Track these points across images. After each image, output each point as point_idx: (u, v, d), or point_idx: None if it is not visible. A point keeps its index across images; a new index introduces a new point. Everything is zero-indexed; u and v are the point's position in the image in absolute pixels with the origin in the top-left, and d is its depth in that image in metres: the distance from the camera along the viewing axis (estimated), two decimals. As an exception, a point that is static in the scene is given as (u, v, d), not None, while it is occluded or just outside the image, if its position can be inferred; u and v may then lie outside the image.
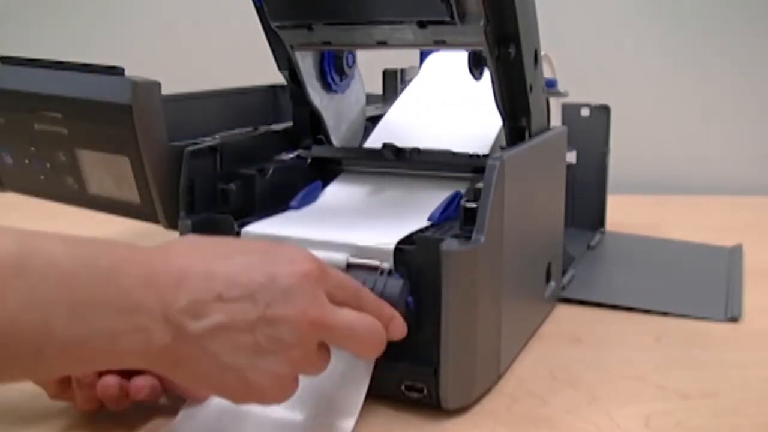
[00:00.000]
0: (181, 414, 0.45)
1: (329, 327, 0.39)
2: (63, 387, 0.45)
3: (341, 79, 0.62)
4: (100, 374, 0.44)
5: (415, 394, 0.47)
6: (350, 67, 0.62)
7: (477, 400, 0.48)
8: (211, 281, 0.36)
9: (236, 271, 0.37)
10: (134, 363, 0.36)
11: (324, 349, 0.41)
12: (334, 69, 0.61)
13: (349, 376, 0.45)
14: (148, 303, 0.35)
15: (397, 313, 0.44)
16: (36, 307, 0.32)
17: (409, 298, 0.45)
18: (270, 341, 0.37)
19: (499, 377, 0.51)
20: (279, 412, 0.44)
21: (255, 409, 0.44)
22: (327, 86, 0.61)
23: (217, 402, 0.45)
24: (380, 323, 0.42)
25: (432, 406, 0.47)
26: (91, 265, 0.34)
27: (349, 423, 0.44)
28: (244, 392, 0.38)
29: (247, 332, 0.36)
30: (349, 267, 0.46)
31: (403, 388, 0.47)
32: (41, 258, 0.32)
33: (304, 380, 0.40)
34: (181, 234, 0.52)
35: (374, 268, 0.46)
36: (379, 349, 0.42)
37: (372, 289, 0.44)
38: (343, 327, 0.40)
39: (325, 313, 0.39)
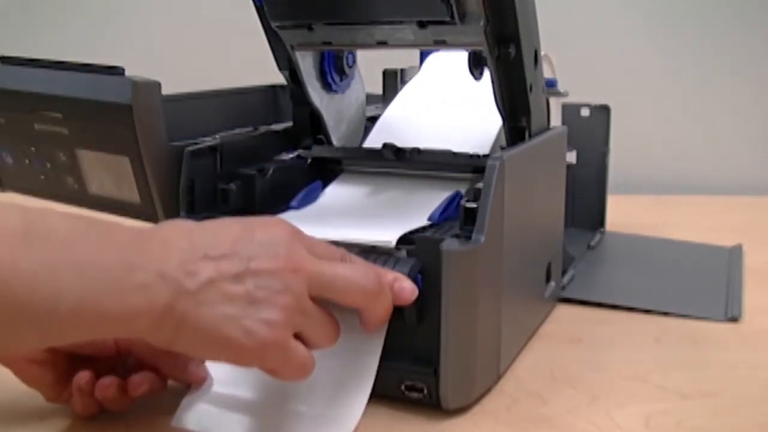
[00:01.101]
0: (183, 404, 0.45)
1: (313, 273, 0.41)
2: (59, 389, 0.45)
3: (341, 79, 0.62)
4: (98, 377, 0.45)
5: (415, 394, 0.47)
6: (350, 67, 0.62)
7: (477, 400, 0.48)
8: (196, 244, 0.39)
9: (216, 234, 0.40)
10: (143, 327, 0.37)
11: (324, 309, 0.42)
12: (334, 69, 0.61)
13: (354, 369, 0.45)
14: (143, 263, 0.37)
15: (402, 275, 0.44)
16: (45, 271, 0.34)
17: (419, 276, 0.45)
18: (259, 290, 0.39)
19: (499, 377, 0.51)
20: (282, 402, 0.45)
21: (258, 398, 0.45)
22: (327, 86, 0.61)
23: (220, 390, 0.45)
24: (374, 273, 0.43)
25: (432, 406, 0.46)
26: (87, 232, 0.36)
27: (354, 417, 0.44)
28: (246, 345, 0.38)
29: (238, 283, 0.39)
30: (363, 251, 0.47)
31: (403, 388, 0.47)
32: (44, 227, 0.35)
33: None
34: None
35: (388, 254, 0.46)
36: (376, 296, 0.42)
37: (381, 267, 0.44)
38: (328, 272, 0.41)
39: (306, 261, 0.41)
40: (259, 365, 0.40)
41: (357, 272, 0.42)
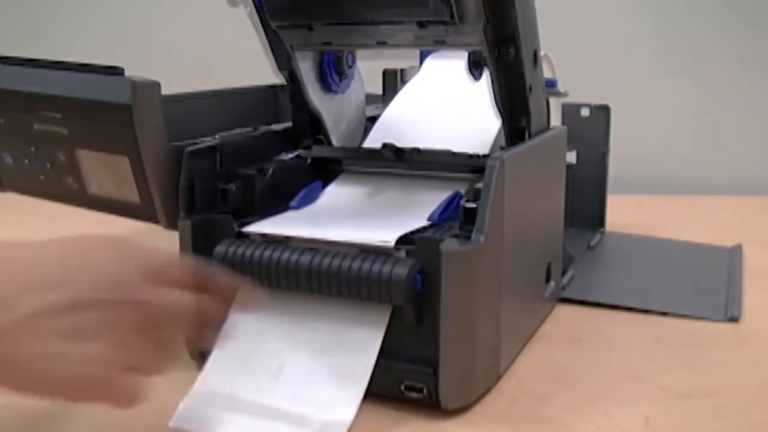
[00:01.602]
0: (182, 405, 0.45)
1: (141, 303, 0.38)
2: None
3: (341, 80, 0.62)
4: None
5: (415, 394, 0.47)
6: (350, 67, 0.62)
7: (477, 400, 0.48)
8: (19, 269, 0.37)
9: (43, 262, 0.38)
10: None
11: (153, 338, 0.40)
12: (334, 69, 0.61)
13: (351, 370, 0.45)
14: None
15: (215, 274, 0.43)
16: None
17: (418, 276, 0.45)
18: (86, 324, 0.36)
19: (499, 377, 0.51)
20: (280, 403, 0.45)
21: (256, 400, 0.45)
22: (327, 86, 0.61)
23: (218, 392, 0.45)
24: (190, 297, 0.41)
25: (432, 406, 0.46)
26: None
27: (347, 419, 0.44)
28: (71, 384, 0.36)
29: (61, 317, 0.36)
30: (362, 251, 0.46)
31: (403, 388, 0.47)
32: None
33: (301, 373, 0.41)
34: (180, 234, 0.52)
35: (387, 254, 0.46)
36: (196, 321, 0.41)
37: (381, 268, 0.44)
38: (153, 304, 0.39)
39: (136, 292, 0.38)
40: (86, 402, 0.38)
41: (184, 301, 0.40)
